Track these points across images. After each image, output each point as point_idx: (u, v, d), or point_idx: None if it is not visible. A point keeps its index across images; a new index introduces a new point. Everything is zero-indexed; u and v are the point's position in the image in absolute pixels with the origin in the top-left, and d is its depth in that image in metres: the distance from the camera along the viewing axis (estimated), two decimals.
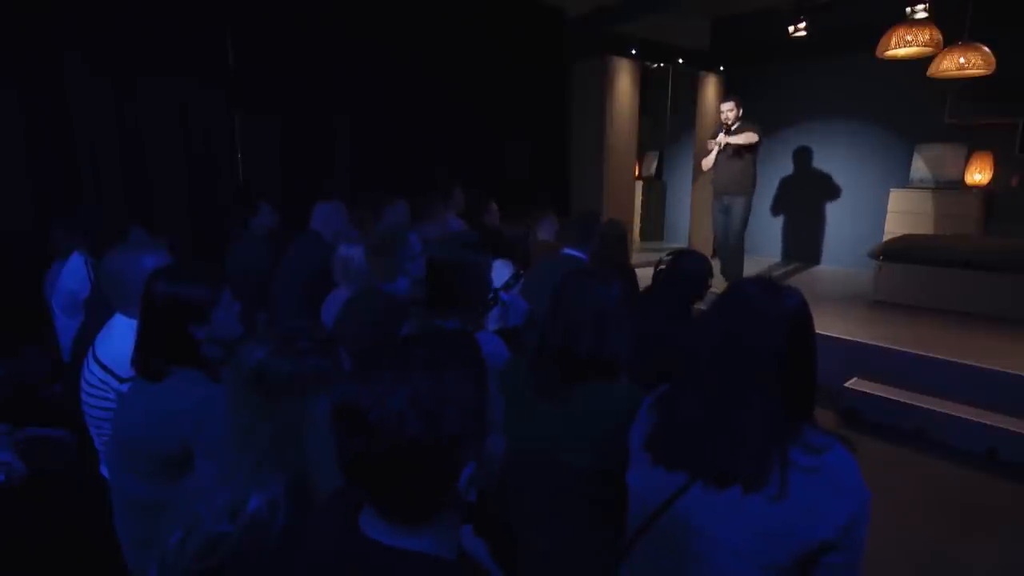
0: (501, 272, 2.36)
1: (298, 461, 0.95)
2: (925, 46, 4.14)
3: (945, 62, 4.22)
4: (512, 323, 2.16)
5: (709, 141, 4.84)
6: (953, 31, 4.27)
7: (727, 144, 4.68)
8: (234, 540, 0.88)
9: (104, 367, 1.50)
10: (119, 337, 1.54)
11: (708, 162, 4.85)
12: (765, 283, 0.97)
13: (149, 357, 1.28)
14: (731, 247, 4.91)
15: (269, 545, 0.87)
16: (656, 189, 8.21)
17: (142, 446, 1.24)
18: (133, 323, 1.55)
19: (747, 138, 4.62)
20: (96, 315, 1.87)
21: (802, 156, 6.72)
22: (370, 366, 0.64)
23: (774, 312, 0.93)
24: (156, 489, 1.21)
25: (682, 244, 7.40)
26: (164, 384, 1.26)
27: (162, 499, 1.04)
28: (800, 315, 0.94)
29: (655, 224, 8.20)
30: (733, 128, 4.66)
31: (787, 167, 6.84)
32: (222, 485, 0.93)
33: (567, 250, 2.75)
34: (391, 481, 0.62)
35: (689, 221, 7.20)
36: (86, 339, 1.72)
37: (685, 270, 2.11)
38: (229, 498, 0.91)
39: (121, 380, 1.47)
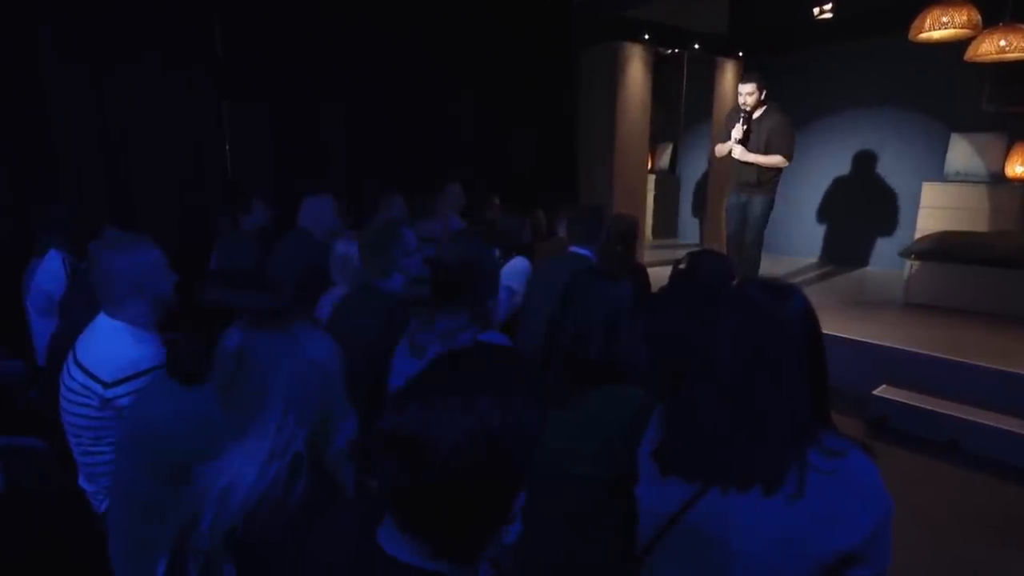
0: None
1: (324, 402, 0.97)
2: (963, 28, 4.10)
3: (984, 45, 4.18)
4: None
5: (733, 135, 4.47)
6: (993, 11, 4.23)
7: (740, 143, 4.39)
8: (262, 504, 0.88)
9: (86, 371, 1.50)
10: (103, 340, 1.55)
11: (722, 150, 4.63)
12: (766, 284, 0.99)
13: (200, 368, 1.26)
14: (748, 246, 4.79)
15: (287, 516, 0.85)
16: (670, 183, 8.20)
17: (170, 447, 1.23)
18: (118, 325, 1.56)
19: (771, 161, 4.37)
20: (75, 316, 1.87)
21: (828, 148, 6.68)
22: (430, 390, 0.62)
23: (792, 315, 0.95)
24: (171, 491, 1.21)
25: (697, 241, 7.40)
26: (206, 391, 1.23)
27: (173, 501, 1.04)
28: (811, 313, 0.97)
29: (669, 220, 8.19)
30: (755, 117, 4.40)
31: (811, 159, 6.80)
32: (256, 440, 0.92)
33: (573, 248, 2.75)
34: (444, 513, 0.61)
35: (705, 217, 7.18)
36: (64, 342, 1.72)
37: (706, 270, 2.10)
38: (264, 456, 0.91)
39: (106, 385, 1.47)
